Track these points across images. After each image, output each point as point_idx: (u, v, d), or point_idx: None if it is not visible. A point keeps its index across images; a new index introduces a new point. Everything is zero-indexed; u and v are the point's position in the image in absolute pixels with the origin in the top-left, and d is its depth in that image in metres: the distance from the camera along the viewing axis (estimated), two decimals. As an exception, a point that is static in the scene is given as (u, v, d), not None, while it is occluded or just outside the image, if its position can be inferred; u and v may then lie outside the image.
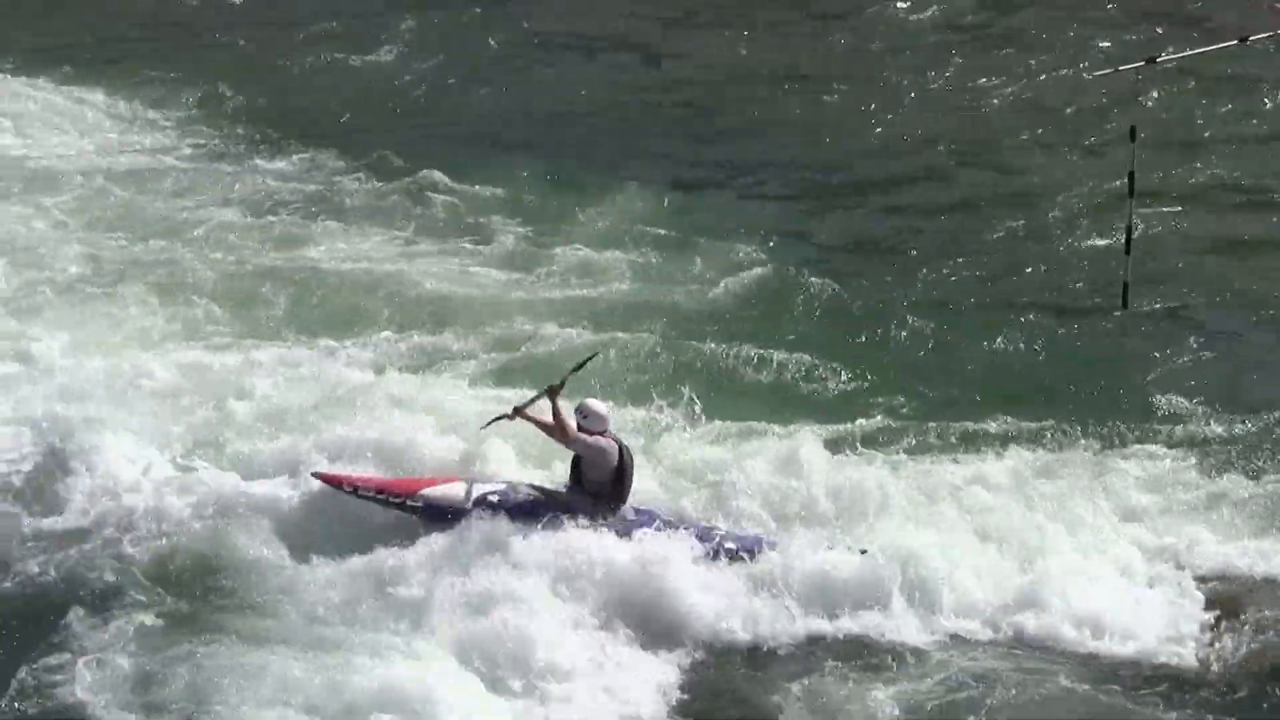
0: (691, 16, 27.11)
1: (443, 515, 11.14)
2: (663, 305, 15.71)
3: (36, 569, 11.19)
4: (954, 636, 10.60)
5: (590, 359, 12.24)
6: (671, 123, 22.16)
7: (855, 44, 25.11)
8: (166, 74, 23.97)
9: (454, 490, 11.33)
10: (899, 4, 26.34)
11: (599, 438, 11.14)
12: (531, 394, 11.59)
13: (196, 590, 10.89)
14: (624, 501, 11.21)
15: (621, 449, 11.13)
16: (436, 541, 10.95)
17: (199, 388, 13.64)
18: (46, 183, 19.36)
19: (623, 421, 12.58)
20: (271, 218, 18.34)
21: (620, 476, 11.13)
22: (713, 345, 14.59)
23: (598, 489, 11.18)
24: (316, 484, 11.61)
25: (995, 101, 22.15)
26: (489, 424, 11.72)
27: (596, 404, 11.34)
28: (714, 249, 17.07)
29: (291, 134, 21.21)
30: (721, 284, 16.16)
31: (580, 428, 11.12)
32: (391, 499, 11.35)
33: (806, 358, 14.36)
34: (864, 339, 15.05)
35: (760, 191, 19.58)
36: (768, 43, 25.34)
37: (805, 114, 21.96)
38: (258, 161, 20.37)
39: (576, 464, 11.31)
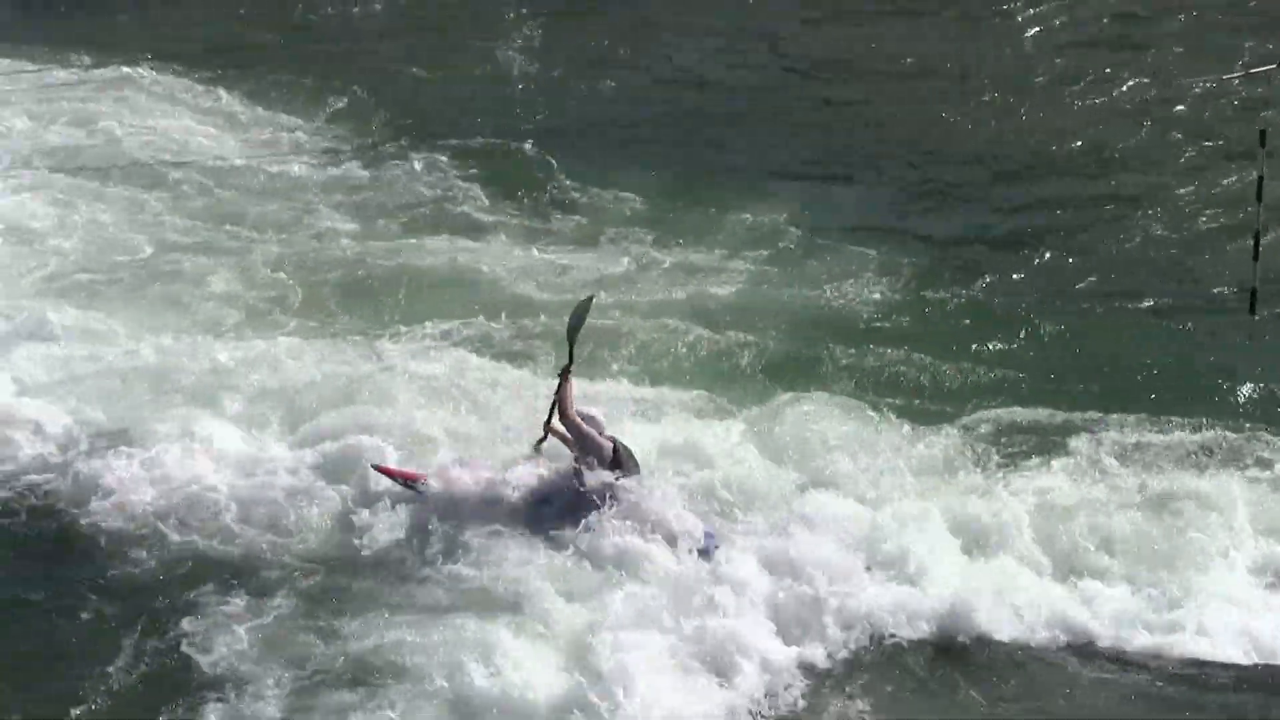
0: (821, 12, 26.90)
1: (469, 503, 11.61)
2: (780, 306, 15.62)
3: (124, 551, 11.48)
4: (1073, 648, 10.44)
5: (587, 306, 12.34)
6: (797, 121, 21.92)
7: (985, 43, 24.79)
8: (300, 79, 24.04)
9: (482, 480, 11.80)
10: (1031, 7, 26.06)
11: (596, 433, 11.55)
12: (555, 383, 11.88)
13: (309, 571, 11.15)
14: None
15: (616, 448, 11.51)
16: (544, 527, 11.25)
17: (285, 375, 13.91)
18: (160, 176, 19.70)
19: (725, 414, 13.03)
20: (386, 220, 18.42)
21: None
22: (829, 348, 14.50)
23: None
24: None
25: (1124, 105, 21.73)
26: (535, 450, 12.02)
27: (593, 410, 11.82)
28: (836, 249, 16.96)
29: (418, 137, 21.21)
30: (842, 285, 16.05)
31: None
32: (430, 488, 11.86)
33: (926, 359, 14.27)
34: (985, 341, 14.82)
35: (884, 189, 19.40)
36: (899, 41, 25.08)
37: (935, 112, 21.71)
38: (382, 165, 20.34)
39: (576, 460, 11.65)
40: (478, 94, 23.35)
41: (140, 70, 24.45)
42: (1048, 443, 12.77)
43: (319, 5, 28.87)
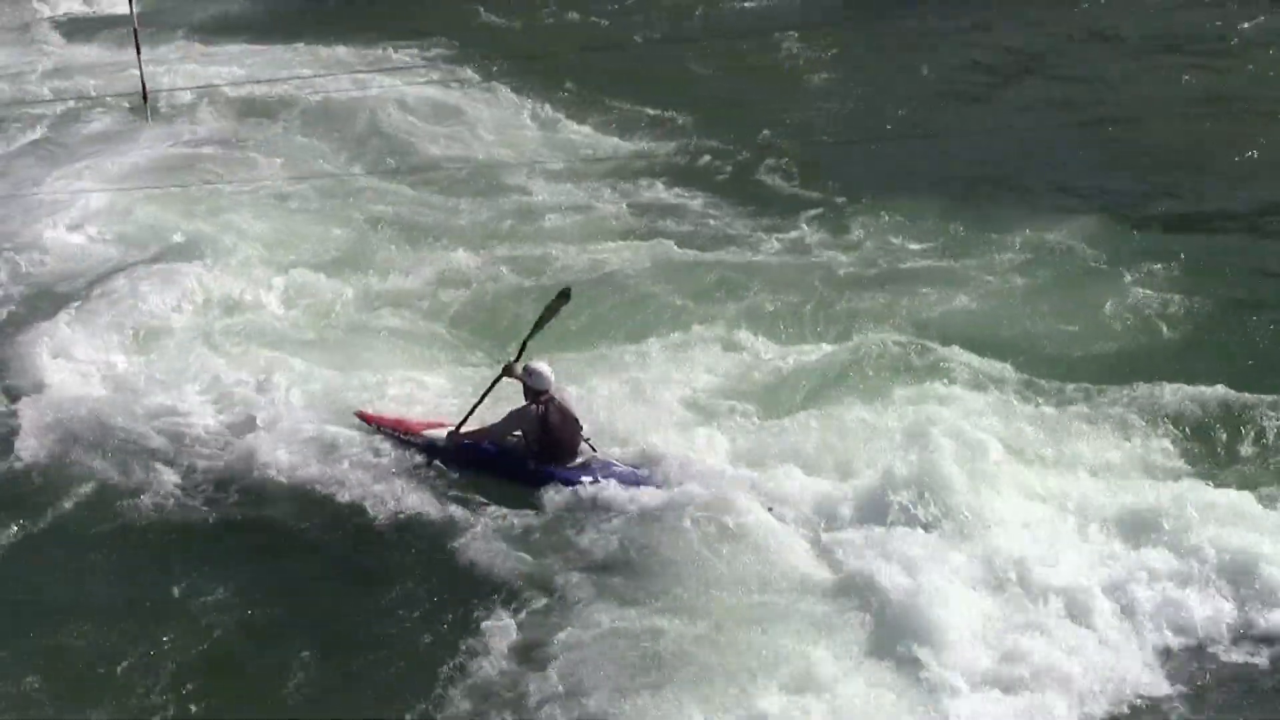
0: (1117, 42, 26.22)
1: (435, 453, 12.40)
2: (1022, 335, 14.52)
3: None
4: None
5: (559, 304, 12.68)
6: (1093, 150, 20.72)
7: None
8: (592, 87, 24.18)
9: (441, 434, 12.51)
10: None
11: (519, 410, 12.13)
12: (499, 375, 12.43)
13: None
14: (559, 457, 12.12)
15: (546, 412, 12.03)
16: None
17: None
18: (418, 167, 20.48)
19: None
20: (649, 223, 18.20)
21: (543, 435, 12.07)
22: (1098, 374, 13.42)
23: (531, 444, 12.18)
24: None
25: None
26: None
27: (541, 365, 12.28)
28: (1107, 271, 15.79)
29: (719, 152, 20.89)
30: (1119, 309, 14.81)
31: (527, 386, 12.13)
32: (400, 436, 12.57)
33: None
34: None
35: (1170, 207, 18.26)
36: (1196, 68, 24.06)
37: (1229, 145, 20.31)
38: (649, 183, 19.87)
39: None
40: (762, 105, 23.14)
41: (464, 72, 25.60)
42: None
43: (626, 21, 29.71)
